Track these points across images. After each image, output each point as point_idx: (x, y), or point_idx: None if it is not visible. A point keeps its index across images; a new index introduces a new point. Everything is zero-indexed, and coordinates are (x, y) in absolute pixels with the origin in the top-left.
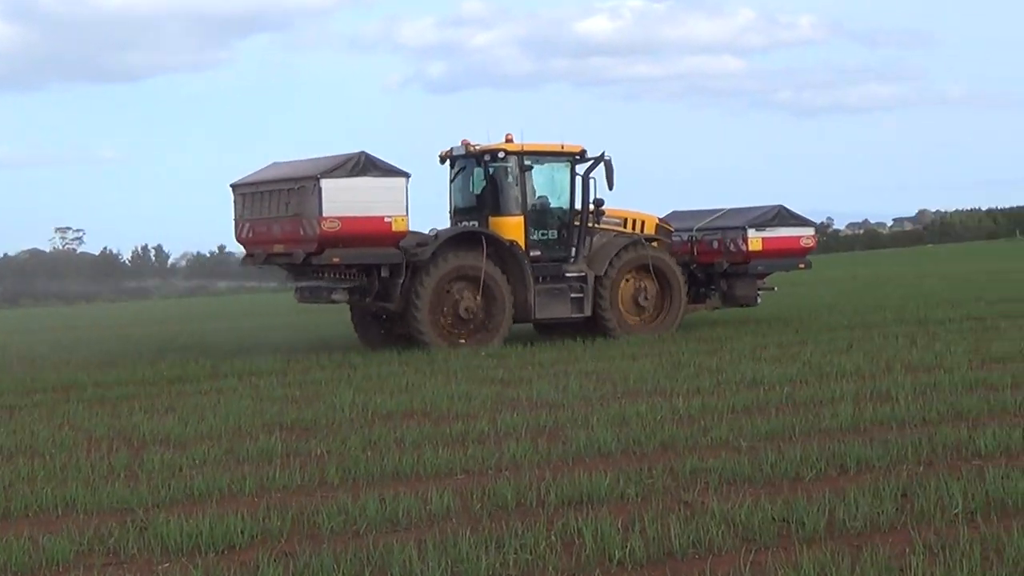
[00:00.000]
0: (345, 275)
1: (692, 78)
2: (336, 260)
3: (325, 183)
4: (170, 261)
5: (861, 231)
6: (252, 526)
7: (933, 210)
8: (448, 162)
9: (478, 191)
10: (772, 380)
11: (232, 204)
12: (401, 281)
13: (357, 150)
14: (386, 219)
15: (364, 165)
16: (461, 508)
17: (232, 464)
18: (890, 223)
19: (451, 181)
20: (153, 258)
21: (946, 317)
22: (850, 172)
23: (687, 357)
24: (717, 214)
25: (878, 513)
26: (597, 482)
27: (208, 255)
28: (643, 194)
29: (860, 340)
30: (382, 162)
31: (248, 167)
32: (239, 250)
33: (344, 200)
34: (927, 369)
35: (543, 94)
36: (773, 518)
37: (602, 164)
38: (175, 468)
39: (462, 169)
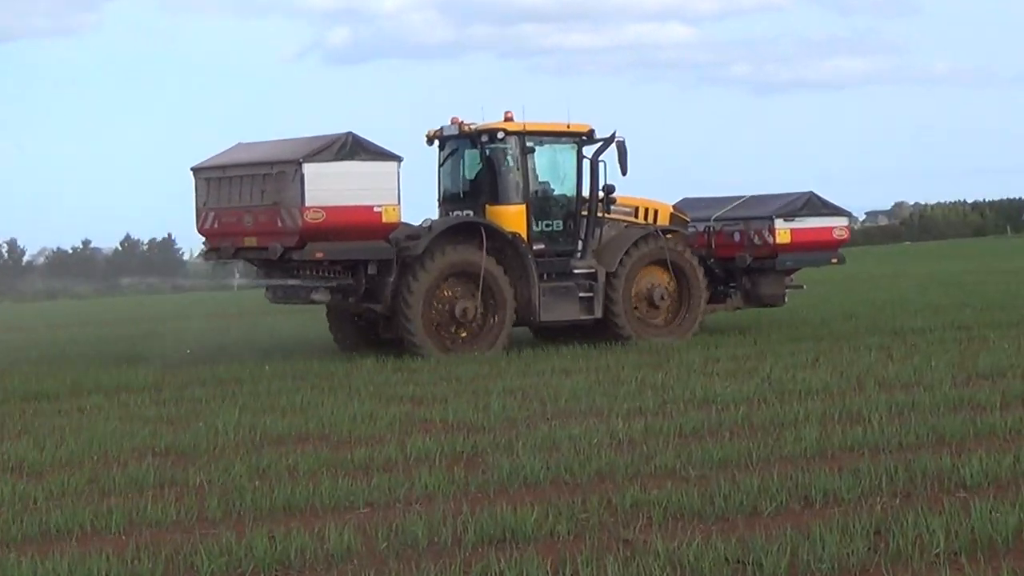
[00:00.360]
0: (328, 272)
1: (635, 49)
2: (320, 255)
3: (308, 168)
4: (25, 259)
5: None
6: (119, 568)
7: (911, 203)
8: (437, 143)
9: (473, 176)
10: (726, 399)
11: (193, 190)
12: (391, 279)
13: (344, 131)
14: (375, 209)
15: (352, 147)
16: (364, 547)
17: (96, 496)
18: (862, 217)
19: (440, 165)
20: (6, 255)
21: (926, 326)
22: (816, 158)
23: (628, 372)
24: (736, 202)
25: (847, 553)
26: (523, 517)
27: (71, 251)
28: None
29: (827, 352)
30: (371, 144)
31: (112, 150)
32: (107, 245)
33: (329, 187)
34: (904, 386)
35: (463, 65)
36: (726, 559)
37: (613, 146)
38: (28, 501)
39: (453, 151)
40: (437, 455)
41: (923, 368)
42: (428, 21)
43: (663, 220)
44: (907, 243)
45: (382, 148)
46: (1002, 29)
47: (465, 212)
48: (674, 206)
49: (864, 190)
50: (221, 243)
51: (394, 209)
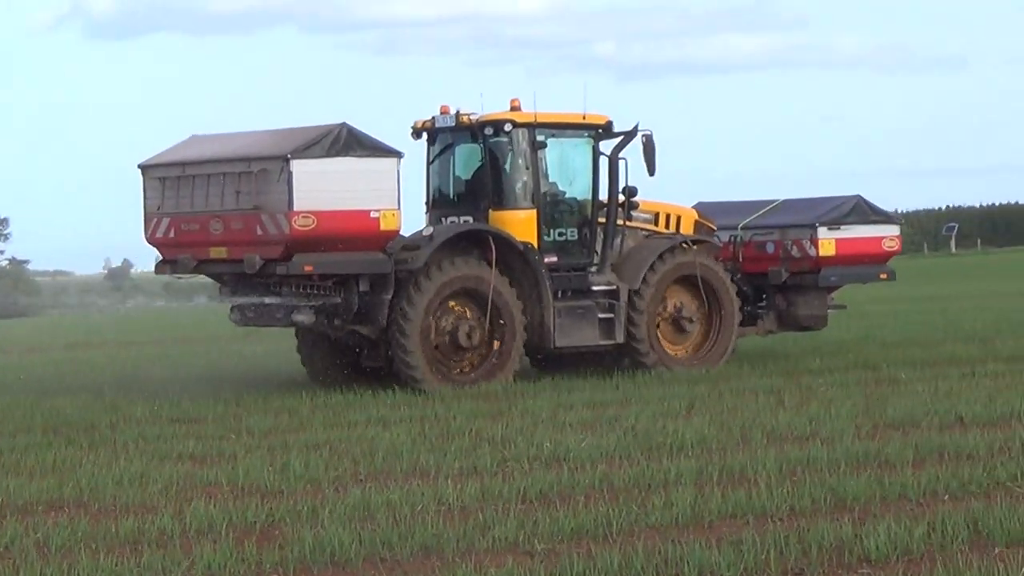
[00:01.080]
0: (314, 289)
1: (477, 22)
2: (309, 269)
3: (297, 165)
4: None
5: None
6: None
7: None
8: (426, 137)
9: (471, 176)
10: (581, 455)
11: (141, 191)
12: (388, 297)
13: (337, 121)
14: (373, 214)
15: (346, 141)
16: None
17: None
18: None
19: (429, 163)
20: None
21: (825, 365)
22: (699, 154)
23: (460, 422)
24: (768, 206)
25: None
26: None
27: None
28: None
29: (704, 398)
30: (368, 137)
31: None
32: None
33: (321, 188)
34: (798, 439)
35: (261, 41)
36: None
37: (639, 142)
38: None
39: (447, 146)
40: (223, 526)
41: (821, 416)
42: None
43: (686, 228)
44: None
45: (380, 142)
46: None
47: (463, 218)
48: (699, 212)
49: (757, 191)
50: (180, 255)
51: (394, 214)
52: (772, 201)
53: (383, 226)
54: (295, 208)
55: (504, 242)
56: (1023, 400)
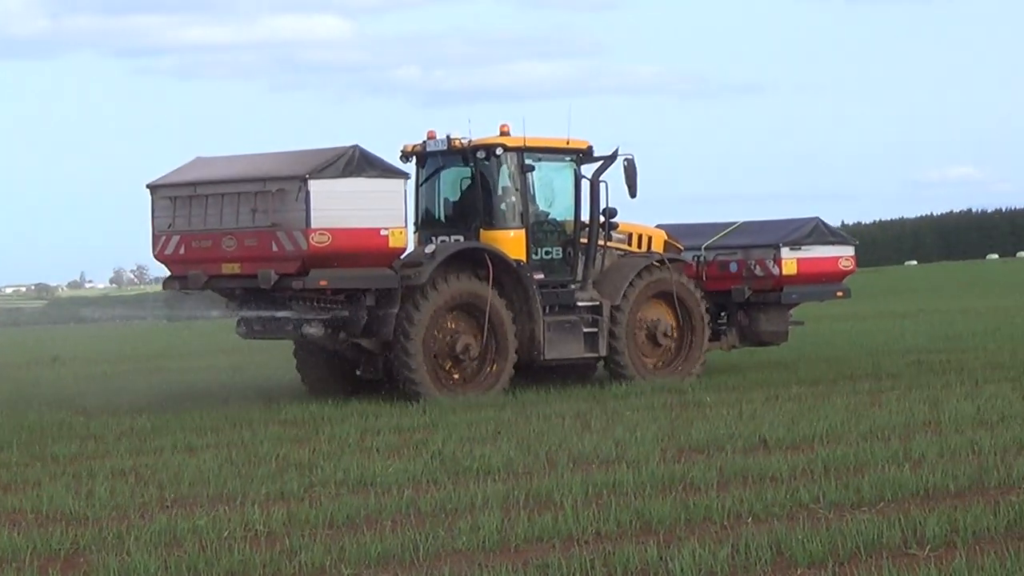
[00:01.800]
0: (324, 303)
1: (277, 47)
2: (324, 283)
3: (314, 185)
4: None
5: None
6: None
7: None
8: (415, 160)
9: (462, 197)
10: (388, 480)
11: (150, 211)
12: (395, 311)
13: (350, 143)
14: (383, 232)
15: (358, 163)
16: None
17: None
18: None
19: (419, 184)
20: None
21: (631, 389)
22: None
23: (267, 447)
24: (727, 228)
25: None
26: None
27: None
28: None
29: (511, 422)
30: (377, 159)
31: None
32: None
33: (336, 207)
34: (604, 463)
35: (61, 65)
36: None
37: (620, 165)
38: None
39: (439, 169)
40: (27, 554)
41: (626, 440)
42: (13, 10)
43: (657, 248)
44: None
45: (389, 163)
46: (716, 30)
47: (454, 237)
48: (667, 233)
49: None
50: (191, 271)
51: (401, 232)
52: (731, 223)
53: (392, 243)
54: (312, 225)
55: (499, 260)
56: (824, 422)
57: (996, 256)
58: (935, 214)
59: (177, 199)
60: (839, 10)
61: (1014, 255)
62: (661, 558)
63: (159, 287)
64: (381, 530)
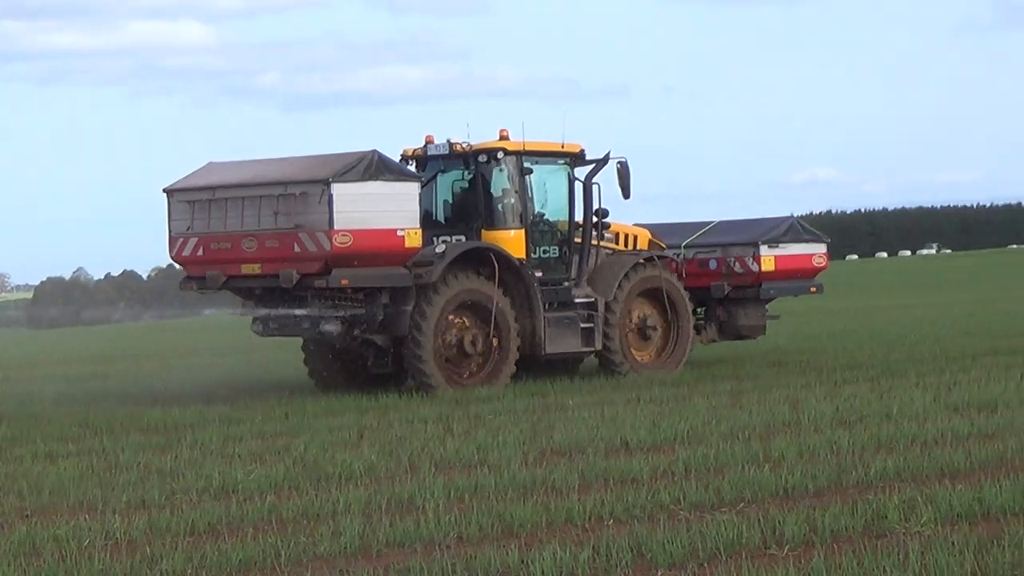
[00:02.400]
0: (343, 301)
1: (140, 53)
2: (345, 282)
3: (337, 188)
4: None
5: None
6: None
7: None
8: (415, 163)
9: (463, 198)
10: (249, 486)
11: (167, 214)
12: (409, 308)
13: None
14: (399, 233)
15: (377, 166)
16: None
17: None
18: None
19: (421, 186)
20: None
21: (494, 393)
22: None
23: (129, 455)
24: (706, 227)
25: None
26: None
27: None
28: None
29: (374, 427)
30: (394, 163)
31: None
32: None
33: (356, 209)
34: (466, 467)
35: None
36: None
37: (614, 168)
38: None
39: (440, 172)
40: None
41: (488, 444)
42: None
43: (642, 246)
44: None
45: (404, 167)
46: (583, 34)
47: (455, 238)
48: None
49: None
50: (209, 271)
51: (416, 233)
52: (708, 222)
53: (407, 243)
54: (335, 227)
55: (504, 259)
56: (685, 424)
57: (855, 257)
58: (794, 215)
59: (195, 203)
60: (703, 13)
61: (872, 255)
62: (522, 561)
63: (22, 294)
64: (243, 537)
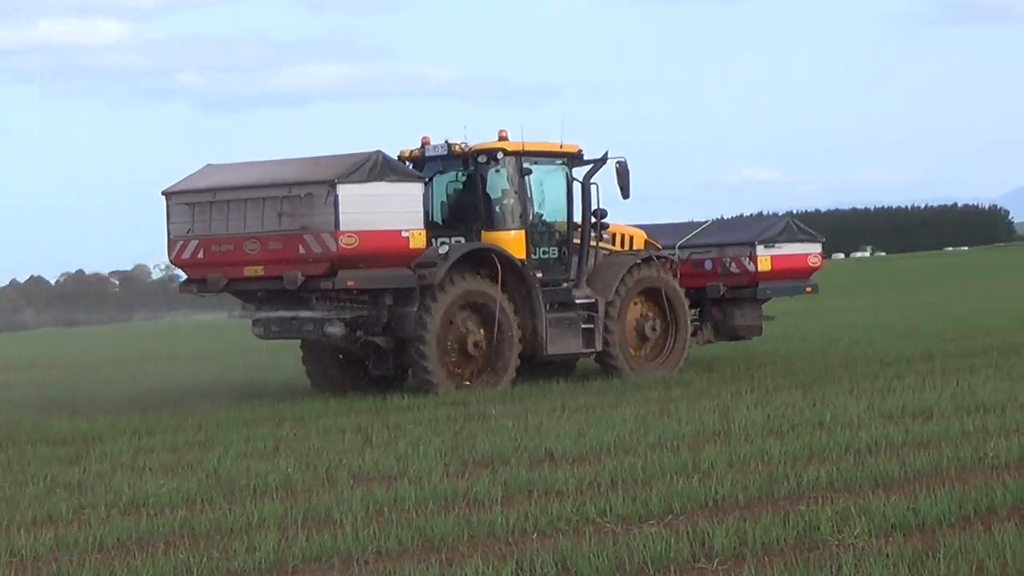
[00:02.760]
0: (348, 303)
1: (53, 52)
2: (351, 284)
3: (342, 189)
4: None
5: None
6: None
7: None
8: (412, 165)
9: (462, 199)
10: (161, 500)
11: (165, 217)
12: (414, 310)
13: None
14: (404, 234)
15: (381, 167)
16: None
17: None
18: None
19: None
20: None
21: (414, 402)
22: None
23: (35, 468)
24: (700, 227)
25: None
26: None
27: None
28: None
29: (290, 438)
30: (398, 164)
31: None
32: None
33: (362, 210)
34: (386, 479)
35: None
36: None
37: (613, 168)
38: None
39: (438, 173)
40: None
41: (409, 455)
42: None
43: (638, 247)
44: None
45: (408, 168)
46: (516, 33)
47: (454, 239)
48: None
49: None
50: (211, 274)
51: (421, 234)
52: (703, 222)
53: (412, 244)
54: (341, 228)
55: (506, 260)
56: (612, 433)
57: None
58: (726, 216)
59: (196, 205)
60: (636, 12)
61: None
62: None
63: None
64: (153, 553)
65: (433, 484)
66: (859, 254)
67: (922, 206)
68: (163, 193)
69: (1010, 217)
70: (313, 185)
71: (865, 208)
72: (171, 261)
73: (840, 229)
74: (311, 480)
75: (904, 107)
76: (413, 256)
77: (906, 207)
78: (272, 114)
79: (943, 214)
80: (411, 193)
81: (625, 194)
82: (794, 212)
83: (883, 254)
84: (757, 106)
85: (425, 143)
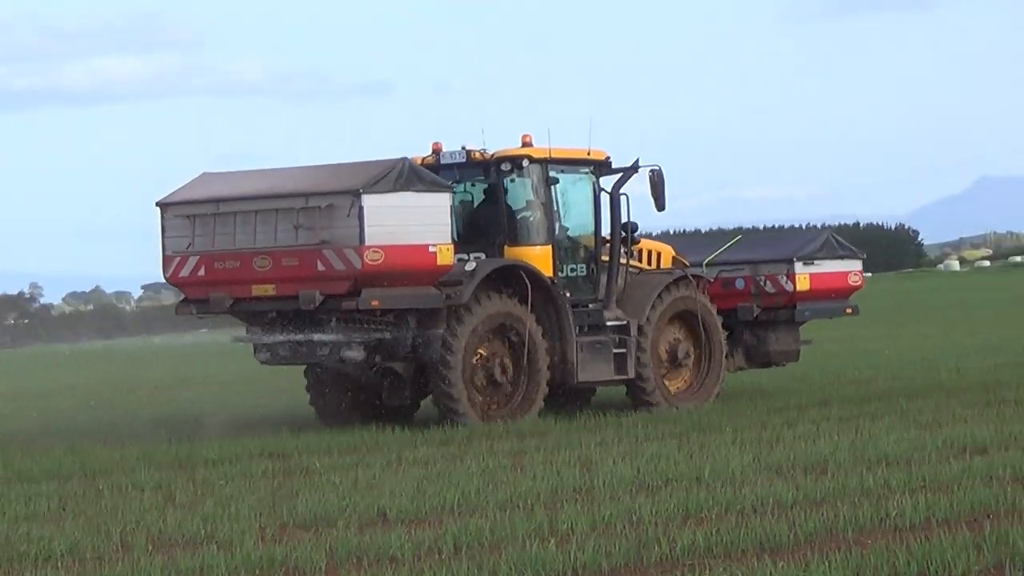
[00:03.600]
0: (370, 325)
1: None
2: (376, 303)
3: (368, 200)
4: None
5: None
6: None
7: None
8: None
9: (483, 212)
10: None
11: (160, 230)
12: (441, 331)
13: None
14: (431, 248)
15: (408, 176)
16: None
17: None
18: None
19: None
20: None
21: (226, 453)
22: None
23: None
24: (730, 242)
25: None
26: None
27: None
28: None
29: (79, 497)
30: (425, 172)
31: None
32: None
33: (388, 223)
34: (190, 544)
35: None
36: None
37: (646, 177)
38: None
39: (455, 183)
40: None
41: (218, 516)
42: None
43: (665, 264)
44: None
45: (435, 177)
46: (340, 23)
47: (473, 255)
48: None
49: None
50: (215, 293)
51: (449, 249)
52: (729, 235)
53: (439, 260)
54: (366, 242)
55: (536, 278)
56: (456, 490)
57: None
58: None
59: (196, 217)
60: (477, 4)
61: None
62: None
63: None
64: None
65: (246, 550)
66: None
67: (819, 224)
68: (158, 204)
69: (920, 238)
70: (335, 196)
71: (753, 227)
72: (167, 279)
73: None
74: (103, 546)
75: (795, 112)
76: (440, 273)
77: (800, 225)
78: (59, 112)
79: (843, 234)
80: (439, 204)
81: (660, 206)
82: (670, 232)
83: None
84: (625, 107)
85: (436, 149)
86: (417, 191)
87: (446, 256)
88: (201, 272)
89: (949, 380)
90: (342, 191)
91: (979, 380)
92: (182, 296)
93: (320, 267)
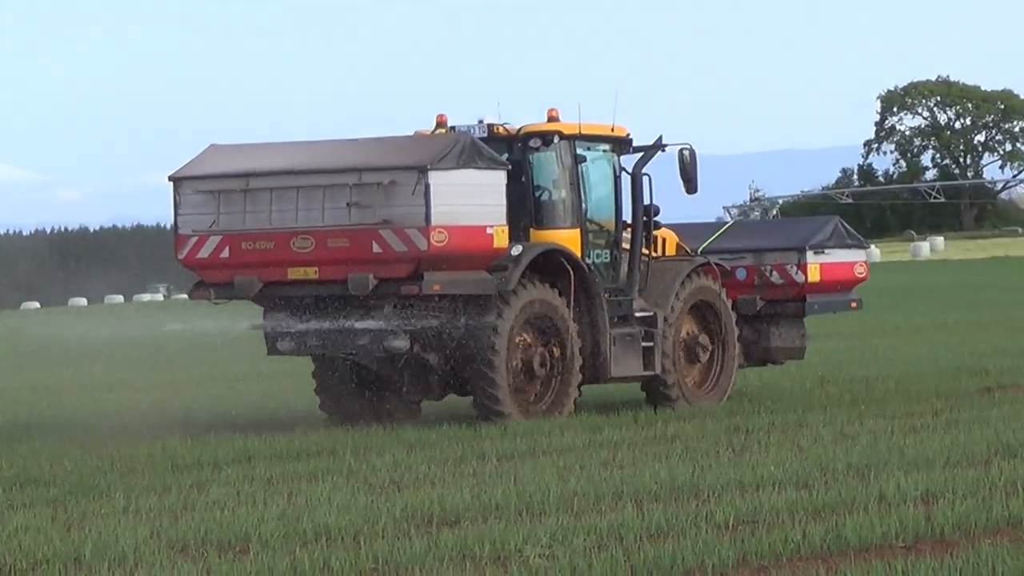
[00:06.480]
0: (421, 312)
1: None
2: (437, 288)
3: (434, 177)
4: None
5: None
6: None
7: None
8: None
9: (508, 192)
10: None
11: (172, 207)
12: (490, 319)
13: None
14: (488, 230)
15: (470, 152)
16: None
17: None
18: None
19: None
20: None
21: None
22: None
23: None
24: (723, 227)
25: None
26: None
27: None
28: None
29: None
30: (484, 147)
31: None
32: None
33: (452, 202)
34: None
35: None
36: None
37: (676, 156)
38: None
39: None
40: None
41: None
42: None
43: (670, 251)
44: None
45: (493, 153)
46: None
47: None
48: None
49: None
50: (243, 276)
51: (504, 231)
52: (724, 222)
53: (495, 243)
54: (433, 222)
55: (576, 265)
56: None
57: None
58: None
59: (221, 193)
60: None
61: None
62: None
63: None
64: None
65: None
66: (148, 297)
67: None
68: (171, 179)
69: None
70: (397, 171)
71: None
72: (182, 261)
73: None
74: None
75: None
76: (495, 256)
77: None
78: None
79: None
80: (497, 183)
81: (692, 188)
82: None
83: (220, 302)
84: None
85: (441, 122)
86: (478, 168)
87: (501, 239)
88: (225, 253)
89: None
90: (406, 167)
91: None
92: (197, 279)
93: (376, 248)
